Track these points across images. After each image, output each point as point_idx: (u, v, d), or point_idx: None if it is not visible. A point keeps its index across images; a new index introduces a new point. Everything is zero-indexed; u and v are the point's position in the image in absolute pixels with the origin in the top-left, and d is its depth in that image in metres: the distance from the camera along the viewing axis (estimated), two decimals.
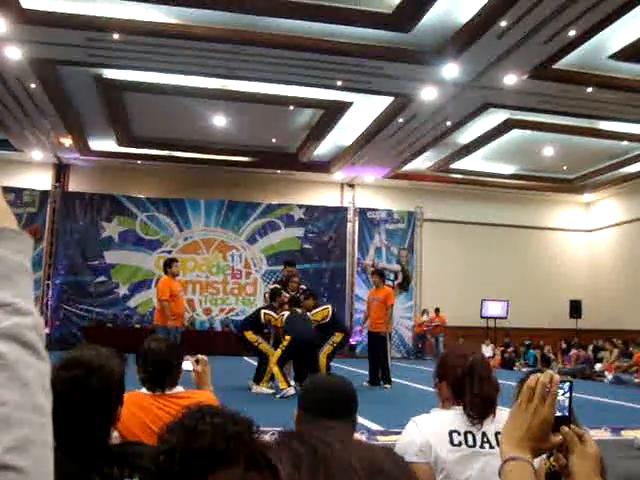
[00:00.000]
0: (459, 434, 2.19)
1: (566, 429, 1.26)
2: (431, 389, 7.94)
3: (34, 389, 0.61)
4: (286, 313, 9.60)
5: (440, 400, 2.40)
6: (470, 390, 2.20)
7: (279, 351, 9.35)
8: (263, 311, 9.87)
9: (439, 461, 2.15)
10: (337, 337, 9.73)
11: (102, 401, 1.68)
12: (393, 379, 10.75)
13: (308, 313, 9.62)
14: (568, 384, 1.30)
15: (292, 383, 9.22)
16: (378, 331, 10.40)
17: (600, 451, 1.27)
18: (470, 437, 2.19)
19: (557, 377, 1.25)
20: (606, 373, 14.77)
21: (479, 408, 2.20)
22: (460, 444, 2.17)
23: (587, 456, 1.24)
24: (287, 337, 9.32)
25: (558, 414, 1.26)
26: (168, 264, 10.25)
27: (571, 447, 1.25)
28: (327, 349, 9.71)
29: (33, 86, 12.88)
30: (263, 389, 9.51)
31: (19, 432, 0.58)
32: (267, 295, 10.82)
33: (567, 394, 1.29)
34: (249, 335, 9.76)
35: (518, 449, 1.23)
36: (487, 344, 18.49)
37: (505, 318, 19.35)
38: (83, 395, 1.62)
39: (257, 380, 9.69)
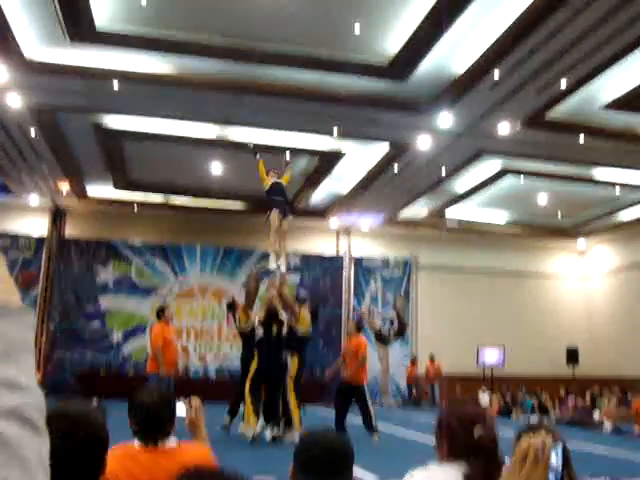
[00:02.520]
0: None
1: None
2: (427, 438, 7.75)
3: (34, 468, 0.61)
4: (260, 331, 9.35)
5: (439, 457, 2.36)
6: (475, 465, 2.14)
7: (247, 383, 9.17)
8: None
9: None
10: (292, 367, 9.43)
11: (90, 450, 1.68)
12: (389, 427, 10.60)
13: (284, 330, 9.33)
14: (561, 446, 1.29)
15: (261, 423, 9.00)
16: (354, 384, 10.03)
17: None
18: None
19: (549, 441, 1.24)
20: (605, 422, 14.59)
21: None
22: None
23: None
24: (254, 364, 9.17)
25: (551, 477, 1.24)
26: (161, 310, 10.26)
27: None
28: (290, 385, 9.36)
29: (33, 132, 12.98)
30: (249, 430, 9.34)
31: None
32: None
33: (560, 457, 1.27)
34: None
35: None
36: (484, 391, 18.32)
37: (502, 366, 19.22)
38: (71, 447, 1.60)
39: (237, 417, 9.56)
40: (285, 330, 9.44)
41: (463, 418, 2.27)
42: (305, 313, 9.63)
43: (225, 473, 1.24)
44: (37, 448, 0.63)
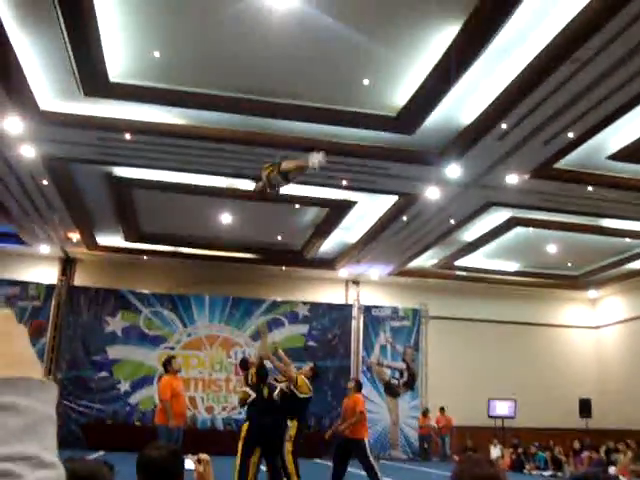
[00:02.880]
0: None
1: None
2: None
3: None
4: (253, 395, 9.25)
5: None
6: None
7: (240, 445, 9.03)
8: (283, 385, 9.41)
9: None
10: (292, 429, 9.21)
11: None
12: None
13: (275, 394, 9.13)
14: None
15: None
16: (355, 437, 9.94)
17: None
18: None
19: None
20: (621, 477, 14.25)
21: None
22: None
23: None
24: (244, 426, 9.06)
25: None
26: (168, 362, 10.17)
27: None
28: (288, 447, 9.15)
29: (45, 183, 13.14)
30: None
31: None
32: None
33: None
34: None
35: None
36: (495, 445, 18.00)
37: (513, 417, 18.92)
38: None
39: None
40: (278, 393, 9.31)
41: (476, 478, 2.23)
42: (302, 379, 9.56)
43: None
44: None
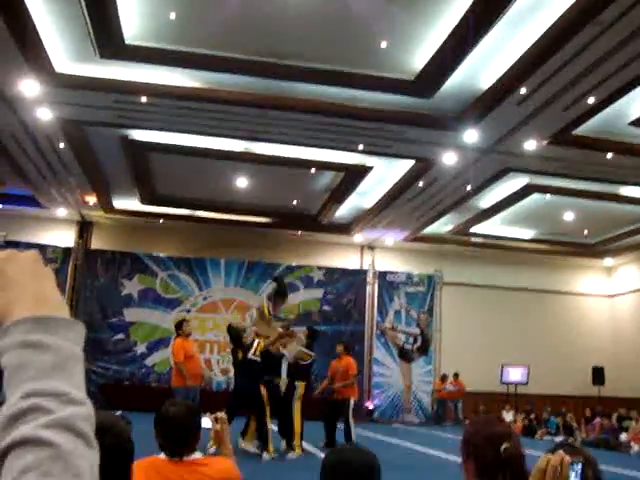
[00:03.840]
0: None
1: None
2: (451, 457, 7.74)
3: (86, 479, 0.63)
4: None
5: (466, 477, 2.33)
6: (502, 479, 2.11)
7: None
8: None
9: None
10: (300, 388, 9.66)
11: (115, 460, 1.68)
12: (413, 445, 10.55)
13: (250, 354, 9.42)
14: (581, 465, 1.26)
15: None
16: (345, 397, 10.40)
17: None
18: None
19: (568, 459, 1.22)
20: (632, 444, 14.35)
21: None
22: None
23: None
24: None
25: None
26: (179, 325, 10.36)
27: None
28: (298, 406, 9.57)
29: (62, 146, 13.18)
30: (249, 447, 9.41)
31: None
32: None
33: (579, 475, 1.25)
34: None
35: None
36: (507, 410, 18.12)
37: (526, 384, 19.00)
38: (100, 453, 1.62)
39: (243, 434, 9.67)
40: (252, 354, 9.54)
41: (490, 436, 2.25)
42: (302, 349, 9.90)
43: None
44: (89, 460, 0.65)
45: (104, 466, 1.63)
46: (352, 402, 10.43)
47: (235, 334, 9.76)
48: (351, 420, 10.32)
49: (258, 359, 9.28)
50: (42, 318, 0.70)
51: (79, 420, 0.65)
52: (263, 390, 9.34)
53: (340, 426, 10.48)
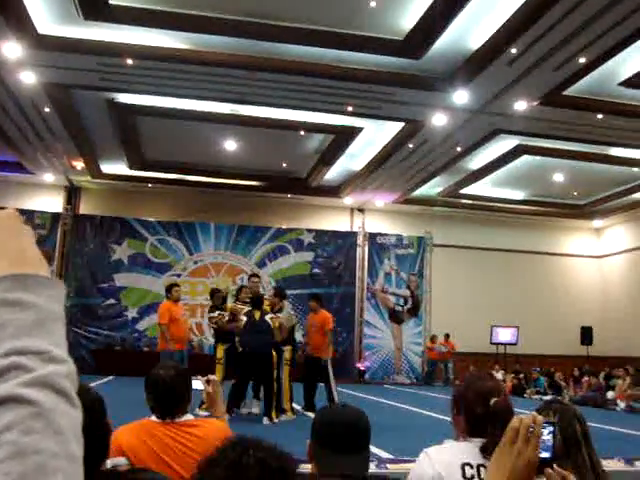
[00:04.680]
0: (471, 467, 2.13)
1: (550, 471, 1.23)
2: (441, 416, 7.82)
3: (68, 437, 0.62)
4: (244, 318, 9.24)
5: (456, 431, 2.36)
6: (492, 433, 2.14)
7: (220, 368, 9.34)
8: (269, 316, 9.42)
9: None
10: (287, 353, 9.46)
11: (89, 413, 1.65)
12: (403, 405, 10.62)
13: (267, 317, 9.20)
14: (553, 424, 1.27)
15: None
16: (318, 356, 9.99)
17: None
18: (483, 470, 2.11)
19: (540, 418, 1.23)
20: (618, 401, 14.58)
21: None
22: (472, 477, 2.11)
23: None
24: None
25: (542, 455, 1.23)
26: (169, 289, 10.36)
27: None
28: (286, 370, 9.40)
29: (47, 110, 13.01)
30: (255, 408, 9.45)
31: None
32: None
33: (552, 434, 1.26)
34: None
35: None
36: (497, 370, 18.34)
37: (515, 344, 19.22)
38: None
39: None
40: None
41: (479, 390, 2.28)
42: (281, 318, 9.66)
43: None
44: (71, 419, 0.64)
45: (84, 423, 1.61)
46: (329, 361, 10.02)
47: (257, 297, 9.62)
48: (332, 380, 9.94)
49: (271, 323, 9.22)
50: (21, 275, 0.68)
51: (60, 378, 0.64)
52: (286, 353, 9.38)
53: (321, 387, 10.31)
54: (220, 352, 9.61)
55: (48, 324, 0.67)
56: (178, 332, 9.92)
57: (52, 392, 0.62)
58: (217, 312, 9.83)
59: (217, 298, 10.28)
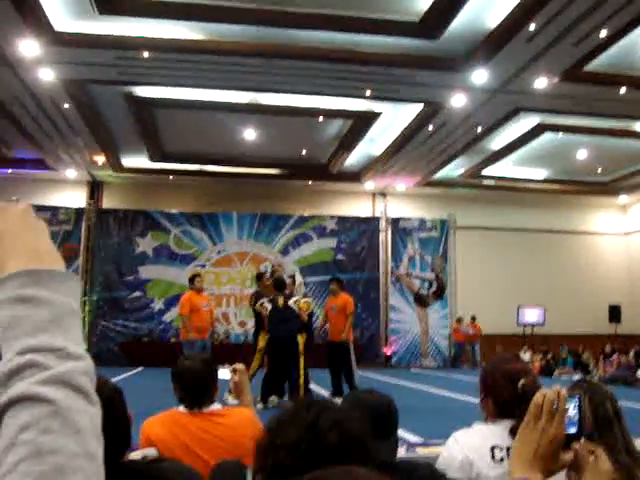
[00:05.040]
0: (501, 450, 2.14)
1: (577, 446, 1.20)
2: (469, 399, 7.78)
3: (87, 436, 0.61)
4: (269, 306, 9.12)
5: (484, 414, 2.35)
6: (520, 414, 2.12)
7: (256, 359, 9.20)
8: (259, 303, 9.37)
9: (481, 477, 2.09)
10: (301, 339, 9.21)
11: (109, 405, 1.65)
12: (431, 389, 10.59)
13: (291, 302, 9.07)
14: (578, 398, 1.24)
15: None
16: (338, 340, 9.89)
17: (612, 469, 1.21)
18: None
19: (564, 392, 1.20)
20: None
21: None
22: (502, 460, 2.11)
23: (601, 474, 1.19)
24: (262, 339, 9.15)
25: (568, 430, 1.20)
26: (191, 279, 10.51)
27: (584, 465, 1.20)
28: (301, 361, 9.11)
29: (66, 106, 13.09)
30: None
31: None
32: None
33: (577, 408, 1.23)
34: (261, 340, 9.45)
35: (528, 469, 1.17)
36: (525, 351, 18.24)
37: (542, 325, 19.07)
38: None
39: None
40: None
41: (507, 373, 2.26)
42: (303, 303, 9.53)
43: (335, 405, 1.20)
44: (90, 416, 0.63)
45: (104, 415, 1.61)
46: (350, 345, 9.91)
47: (280, 282, 9.53)
48: (353, 364, 9.85)
49: (296, 309, 9.13)
50: (36, 271, 0.67)
51: (77, 375, 0.63)
52: (300, 339, 9.28)
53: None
54: (263, 341, 9.41)
55: (64, 320, 0.66)
56: (200, 322, 10.00)
57: (69, 390, 0.61)
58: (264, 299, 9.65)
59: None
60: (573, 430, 1.21)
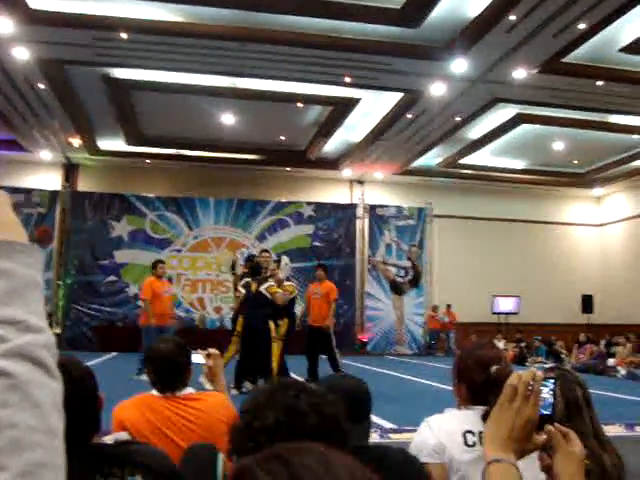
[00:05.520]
0: (473, 434, 2.15)
1: (550, 428, 1.21)
2: (443, 386, 7.87)
3: (47, 410, 0.59)
4: (243, 290, 9.11)
5: (457, 400, 2.36)
6: (493, 400, 2.14)
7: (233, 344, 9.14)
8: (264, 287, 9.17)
9: (454, 462, 2.11)
10: (282, 327, 9.17)
11: (81, 387, 1.63)
12: (405, 376, 10.66)
13: (263, 287, 8.98)
14: (552, 381, 1.25)
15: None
16: (321, 325, 9.87)
17: (584, 452, 1.22)
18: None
19: (540, 374, 1.20)
20: (619, 368, 14.66)
21: None
22: (474, 444, 2.13)
23: (572, 456, 1.20)
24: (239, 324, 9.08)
25: (542, 412, 1.21)
26: (154, 265, 10.56)
27: (556, 446, 1.21)
28: (277, 347, 9.04)
29: (41, 86, 12.89)
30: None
31: (31, 456, 0.55)
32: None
33: (552, 391, 1.24)
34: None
35: (502, 450, 1.18)
36: (499, 340, 18.41)
37: (516, 314, 19.26)
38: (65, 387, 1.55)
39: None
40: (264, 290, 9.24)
41: (480, 359, 2.28)
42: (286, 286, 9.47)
43: (312, 388, 1.20)
44: (50, 391, 0.60)
45: (73, 397, 1.58)
46: (332, 330, 9.91)
47: (255, 267, 9.44)
48: (335, 349, 9.86)
49: (269, 295, 9.06)
50: None
51: (37, 348, 0.61)
52: (272, 325, 9.22)
53: (323, 358, 10.21)
54: (239, 326, 9.29)
55: (24, 292, 0.63)
56: (161, 308, 10.12)
57: (29, 363, 0.59)
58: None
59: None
60: (546, 412, 1.21)
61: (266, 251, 10.67)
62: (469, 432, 2.15)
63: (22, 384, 0.58)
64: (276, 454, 0.58)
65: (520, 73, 11.91)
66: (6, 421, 0.56)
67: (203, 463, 2.03)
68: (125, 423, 2.49)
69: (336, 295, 10.29)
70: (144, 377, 8.08)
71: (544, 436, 1.20)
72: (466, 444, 2.13)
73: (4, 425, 0.55)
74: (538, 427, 1.20)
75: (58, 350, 0.65)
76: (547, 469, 1.22)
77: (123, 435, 2.31)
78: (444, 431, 2.16)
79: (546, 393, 1.22)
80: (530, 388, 1.18)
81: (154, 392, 2.65)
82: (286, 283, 9.50)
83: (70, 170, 18.86)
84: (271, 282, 9.21)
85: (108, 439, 1.86)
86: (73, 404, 1.58)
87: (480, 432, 2.13)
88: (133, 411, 2.56)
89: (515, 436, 1.18)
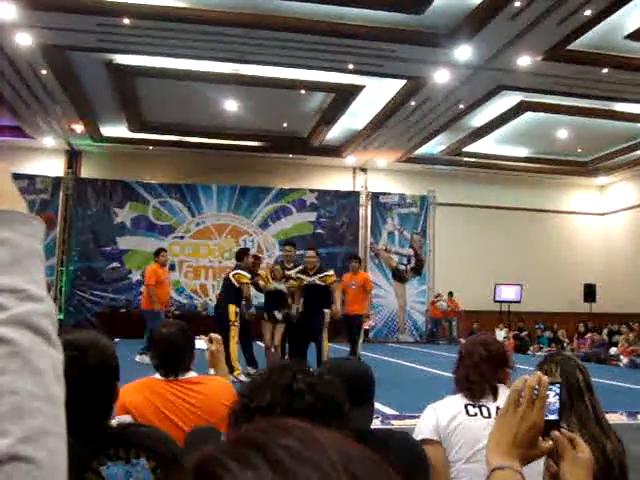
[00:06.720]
0: (474, 407, 2.30)
1: (557, 434, 1.17)
2: (445, 373, 7.88)
3: (48, 378, 0.59)
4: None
5: (456, 388, 2.44)
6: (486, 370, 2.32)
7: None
8: (232, 273, 9.34)
9: (458, 429, 2.25)
10: (327, 315, 9.26)
11: (101, 376, 1.66)
12: (407, 363, 10.69)
13: (231, 274, 9.25)
14: (558, 385, 1.22)
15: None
16: (359, 314, 10.16)
17: (592, 458, 1.19)
18: (485, 410, 2.29)
19: (546, 379, 1.17)
20: (621, 357, 14.68)
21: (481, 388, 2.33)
22: (476, 415, 2.27)
23: (579, 462, 1.15)
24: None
25: (548, 418, 1.19)
26: (156, 253, 10.99)
27: (562, 453, 1.16)
28: (326, 335, 9.19)
29: (44, 72, 12.86)
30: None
31: (33, 422, 0.55)
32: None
33: (558, 396, 1.21)
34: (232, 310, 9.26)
35: (506, 457, 1.15)
36: (501, 328, 18.43)
37: (519, 302, 19.26)
38: (82, 373, 1.58)
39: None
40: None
41: (479, 341, 2.45)
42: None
43: (309, 369, 1.21)
44: (51, 359, 0.60)
45: (89, 385, 1.60)
46: (364, 319, 10.45)
47: (239, 250, 9.73)
48: (361, 339, 10.17)
49: (233, 280, 9.23)
50: None
51: (38, 317, 0.61)
52: (231, 309, 9.13)
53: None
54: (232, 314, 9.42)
55: (25, 261, 0.63)
56: (162, 295, 10.60)
57: (29, 331, 0.59)
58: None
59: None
60: (553, 417, 1.19)
61: (290, 244, 10.91)
62: (469, 405, 2.31)
63: (23, 351, 0.58)
64: (248, 437, 0.52)
65: (524, 60, 11.85)
66: (7, 387, 0.56)
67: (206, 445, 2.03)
68: (128, 406, 2.50)
69: (372, 285, 10.77)
70: (146, 359, 8.20)
71: (550, 442, 1.18)
72: (468, 414, 2.28)
73: (5, 391, 0.56)
74: (544, 433, 1.17)
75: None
76: (553, 476, 1.19)
77: (126, 419, 2.33)
78: (447, 410, 2.32)
79: (552, 397, 1.20)
80: (536, 392, 1.16)
81: (157, 376, 2.67)
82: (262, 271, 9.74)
83: (73, 156, 18.87)
84: (237, 270, 9.33)
85: (111, 423, 1.87)
86: (96, 387, 1.61)
87: (480, 405, 2.29)
88: (136, 394, 2.57)
89: (520, 442, 1.15)
